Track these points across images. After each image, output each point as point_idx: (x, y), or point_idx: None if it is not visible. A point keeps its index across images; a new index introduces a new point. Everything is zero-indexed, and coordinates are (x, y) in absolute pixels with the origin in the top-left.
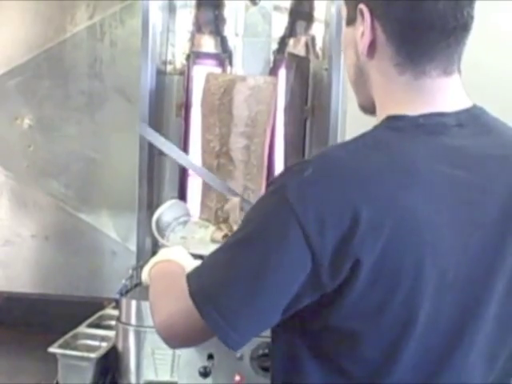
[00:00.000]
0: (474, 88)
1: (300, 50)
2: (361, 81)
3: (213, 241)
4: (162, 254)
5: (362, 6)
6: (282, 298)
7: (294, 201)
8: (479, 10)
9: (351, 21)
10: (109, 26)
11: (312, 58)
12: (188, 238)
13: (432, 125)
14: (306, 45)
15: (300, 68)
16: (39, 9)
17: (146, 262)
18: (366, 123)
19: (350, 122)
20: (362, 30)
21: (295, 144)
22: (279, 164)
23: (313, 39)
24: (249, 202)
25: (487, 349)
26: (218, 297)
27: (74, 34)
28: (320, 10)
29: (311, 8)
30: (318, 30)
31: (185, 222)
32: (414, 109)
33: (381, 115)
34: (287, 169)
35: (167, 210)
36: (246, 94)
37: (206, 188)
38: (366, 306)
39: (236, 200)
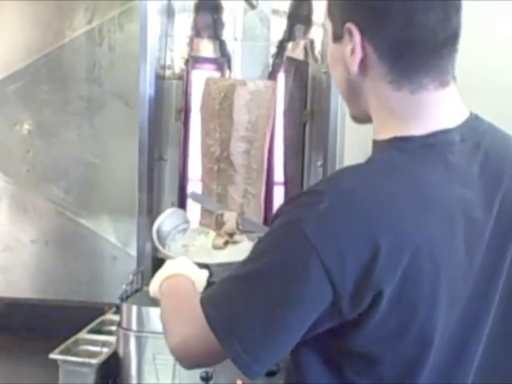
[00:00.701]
0: (475, 93)
1: (299, 54)
2: (353, 95)
3: (214, 247)
4: (169, 268)
5: (350, 26)
6: (302, 328)
7: (312, 235)
8: (480, 15)
9: (338, 38)
10: (107, 30)
11: (311, 61)
12: (189, 246)
13: (440, 144)
14: (305, 48)
15: (299, 72)
16: (38, 14)
17: (152, 273)
18: (365, 126)
19: (350, 125)
20: (352, 48)
21: (295, 148)
22: (279, 168)
23: (311, 43)
24: (247, 218)
25: (488, 363)
26: (240, 330)
27: (72, 39)
28: (318, 13)
29: (310, 11)
30: (316, 33)
31: (184, 230)
32: (419, 127)
33: (383, 132)
34: (299, 199)
35: (166, 219)
36: (247, 98)
37: (206, 193)
38: (385, 332)
39: (233, 213)
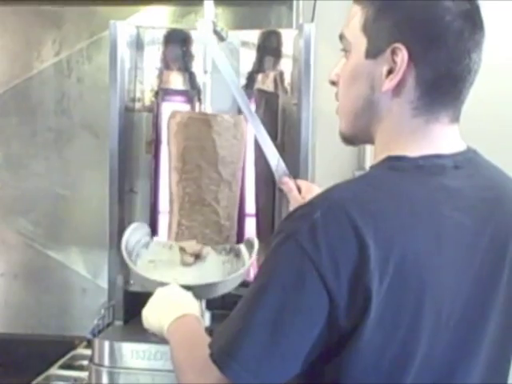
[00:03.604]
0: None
1: (268, 86)
2: (365, 114)
3: (184, 264)
4: (166, 299)
5: (399, 45)
6: (303, 343)
7: (307, 244)
8: None
9: (373, 55)
10: (76, 62)
11: (281, 93)
12: (156, 261)
13: (431, 166)
14: (275, 80)
15: (269, 103)
16: (5, 46)
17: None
18: (336, 157)
19: (320, 157)
20: (389, 68)
21: (266, 179)
22: (250, 201)
23: (281, 74)
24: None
25: None
26: (235, 348)
27: (40, 71)
28: (288, 45)
29: (279, 43)
30: (286, 65)
31: (147, 244)
32: (414, 150)
33: (380, 152)
34: (293, 214)
35: (131, 235)
36: None
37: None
38: (370, 352)
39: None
